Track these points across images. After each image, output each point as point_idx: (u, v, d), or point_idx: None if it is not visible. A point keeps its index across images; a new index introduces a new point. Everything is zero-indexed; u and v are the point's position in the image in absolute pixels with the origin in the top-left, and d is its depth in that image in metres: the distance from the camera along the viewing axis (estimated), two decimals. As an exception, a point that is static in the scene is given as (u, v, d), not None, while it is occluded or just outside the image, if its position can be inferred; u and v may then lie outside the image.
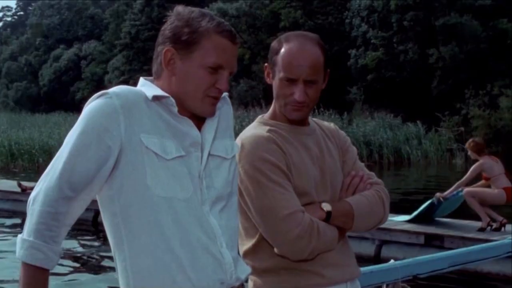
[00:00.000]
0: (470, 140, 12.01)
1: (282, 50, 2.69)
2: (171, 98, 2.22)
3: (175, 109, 2.23)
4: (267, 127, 2.73)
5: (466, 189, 11.52)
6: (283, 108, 2.73)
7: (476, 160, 11.67)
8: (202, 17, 2.25)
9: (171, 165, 2.19)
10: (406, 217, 12.34)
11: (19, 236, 2.12)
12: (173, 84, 2.26)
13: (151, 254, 2.17)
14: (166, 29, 2.27)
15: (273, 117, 2.79)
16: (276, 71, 2.71)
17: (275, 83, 2.72)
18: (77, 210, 2.16)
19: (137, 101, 2.19)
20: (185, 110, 2.26)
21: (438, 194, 11.72)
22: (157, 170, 2.16)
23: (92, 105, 2.19)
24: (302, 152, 2.72)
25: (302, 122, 2.79)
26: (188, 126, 2.26)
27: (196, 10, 2.29)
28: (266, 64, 2.77)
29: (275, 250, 2.63)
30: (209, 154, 2.30)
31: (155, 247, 2.17)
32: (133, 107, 2.17)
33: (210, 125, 2.33)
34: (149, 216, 2.16)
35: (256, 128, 2.76)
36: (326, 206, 2.68)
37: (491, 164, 11.57)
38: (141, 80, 2.33)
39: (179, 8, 2.29)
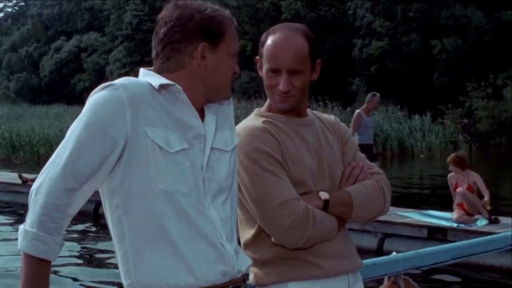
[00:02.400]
0: (454, 155, 11.85)
1: (267, 41, 2.72)
2: (177, 86, 2.22)
3: (182, 95, 2.24)
4: (263, 119, 2.75)
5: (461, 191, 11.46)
6: (272, 99, 2.76)
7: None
8: (217, 9, 2.30)
9: (174, 158, 2.19)
10: (414, 214, 12.26)
11: (21, 227, 2.11)
12: (201, 77, 2.28)
13: (152, 247, 2.17)
14: (187, 25, 2.26)
15: (269, 109, 2.80)
16: (263, 63, 2.74)
17: (263, 75, 2.75)
18: (80, 201, 2.16)
19: (143, 93, 2.18)
20: (193, 101, 2.28)
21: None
22: (160, 163, 2.17)
23: (97, 96, 2.18)
24: (298, 143, 2.73)
25: (299, 113, 2.80)
26: (192, 116, 2.27)
27: (201, 2, 2.32)
28: (257, 57, 2.79)
29: (272, 239, 2.64)
30: (211, 147, 2.31)
31: (156, 240, 2.17)
32: (140, 99, 2.16)
33: (211, 118, 2.35)
34: (151, 210, 2.17)
35: (251, 120, 2.78)
36: (324, 195, 2.68)
37: (479, 177, 11.53)
38: (143, 70, 2.33)
39: (181, 2, 2.30)
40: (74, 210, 2.14)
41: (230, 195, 2.36)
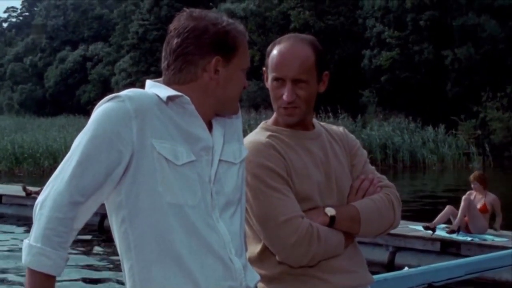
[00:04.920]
0: (478, 172, 12.04)
1: (273, 51, 2.71)
2: (185, 97, 2.21)
3: (191, 106, 2.22)
4: (268, 133, 2.72)
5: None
6: (277, 113, 2.74)
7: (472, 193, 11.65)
8: (232, 23, 2.29)
9: (181, 170, 2.18)
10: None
11: (26, 241, 2.10)
12: (211, 90, 2.27)
13: (159, 261, 2.16)
14: (201, 37, 2.24)
15: (276, 122, 2.78)
16: (268, 73, 2.72)
17: (269, 86, 2.74)
18: (86, 214, 2.15)
19: (150, 105, 2.18)
20: (202, 114, 2.27)
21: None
22: (167, 176, 2.16)
23: (103, 108, 2.17)
24: (304, 157, 2.71)
25: (305, 126, 2.78)
26: (200, 128, 2.25)
27: (216, 15, 2.30)
28: (264, 68, 2.75)
29: (276, 257, 2.62)
30: (219, 160, 2.29)
31: (163, 255, 2.16)
32: (146, 111, 2.16)
33: (218, 130, 2.33)
34: (158, 223, 2.15)
35: (257, 134, 2.75)
36: (330, 211, 2.65)
37: (497, 200, 11.55)
38: (150, 82, 2.31)
39: (197, 13, 2.29)
40: (79, 224, 2.14)
41: (239, 208, 2.34)
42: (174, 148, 2.17)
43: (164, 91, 2.21)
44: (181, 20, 2.27)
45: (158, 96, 2.20)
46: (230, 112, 2.35)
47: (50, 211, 2.07)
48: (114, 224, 2.23)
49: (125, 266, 2.22)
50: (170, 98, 2.20)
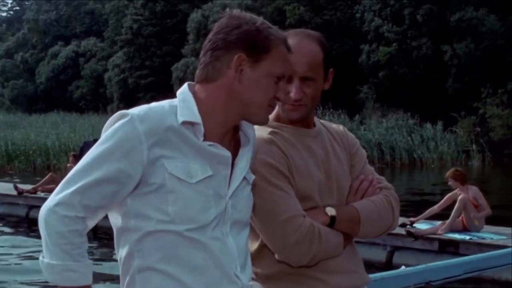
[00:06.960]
0: (453, 169, 12.08)
1: None
2: (200, 126, 2.20)
3: (201, 138, 2.22)
4: (269, 129, 2.69)
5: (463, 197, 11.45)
6: (281, 108, 2.71)
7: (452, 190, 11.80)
8: (268, 26, 2.27)
9: (195, 188, 2.17)
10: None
11: (43, 260, 2.11)
12: (235, 91, 2.25)
13: (161, 272, 2.16)
14: (230, 33, 2.23)
15: (277, 119, 2.75)
16: None
17: None
18: (93, 223, 2.19)
19: (162, 125, 2.17)
20: (228, 118, 2.27)
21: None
22: (179, 196, 2.15)
23: (114, 128, 2.17)
24: (305, 155, 2.71)
25: (307, 124, 2.77)
26: (218, 149, 2.24)
27: (255, 16, 2.29)
28: None
29: (276, 256, 2.62)
30: (244, 177, 2.30)
31: (166, 267, 2.15)
32: (157, 132, 2.16)
33: (248, 148, 2.36)
34: (165, 236, 2.15)
35: (257, 130, 2.65)
36: (330, 211, 2.66)
37: (479, 192, 11.63)
38: (185, 88, 2.30)
39: (236, 12, 2.29)
40: (88, 230, 2.17)
41: (247, 226, 2.36)
42: (187, 166, 2.17)
43: (182, 115, 2.19)
44: (222, 19, 2.28)
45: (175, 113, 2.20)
46: (257, 119, 2.33)
47: (60, 226, 2.09)
48: (118, 230, 2.24)
49: (125, 273, 2.23)
50: (184, 123, 2.19)
